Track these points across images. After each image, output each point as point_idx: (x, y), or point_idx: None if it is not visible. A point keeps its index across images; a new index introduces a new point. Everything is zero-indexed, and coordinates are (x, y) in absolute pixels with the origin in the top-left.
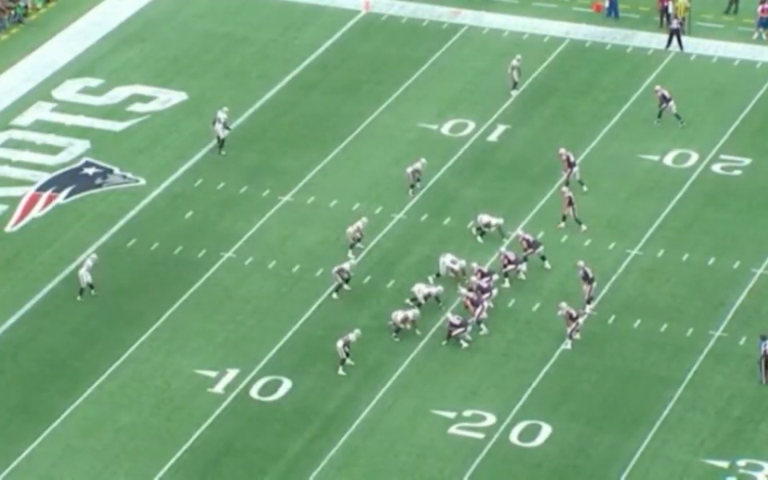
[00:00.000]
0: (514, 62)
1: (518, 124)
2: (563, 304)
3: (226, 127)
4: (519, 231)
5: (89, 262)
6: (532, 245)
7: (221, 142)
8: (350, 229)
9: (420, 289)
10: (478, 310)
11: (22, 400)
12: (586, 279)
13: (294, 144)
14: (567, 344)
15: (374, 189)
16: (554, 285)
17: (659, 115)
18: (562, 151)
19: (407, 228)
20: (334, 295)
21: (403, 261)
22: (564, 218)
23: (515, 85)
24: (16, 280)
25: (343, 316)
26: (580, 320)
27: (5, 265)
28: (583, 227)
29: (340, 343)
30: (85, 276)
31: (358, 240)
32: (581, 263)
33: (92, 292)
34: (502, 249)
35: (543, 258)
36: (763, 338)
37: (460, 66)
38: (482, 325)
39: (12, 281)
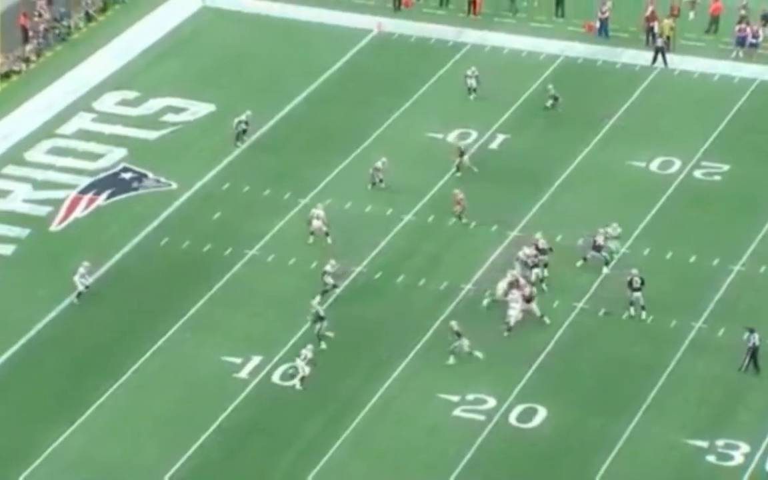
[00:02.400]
0: (469, 73)
1: (517, 133)
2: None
3: (246, 124)
4: (538, 235)
5: (82, 270)
6: (542, 252)
7: (238, 136)
8: (316, 223)
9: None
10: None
11: (62, 387)
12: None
13: (312, 151)
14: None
15: (385, 192)
16: (552, 281)
17: (551, 106)
18: (459, 144)
19: (415, 228)
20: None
21: (412, 258)
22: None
23: (473, 91)
24: (60, 275)
25: (355, 309)
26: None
27: (50, 261)
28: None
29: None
30: (78, 283)
31: (326, 233)
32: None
33: (77, 299)
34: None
35: (541, 280)
36: (751, 331)
37: (463, 80)
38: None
39: (55, 277)
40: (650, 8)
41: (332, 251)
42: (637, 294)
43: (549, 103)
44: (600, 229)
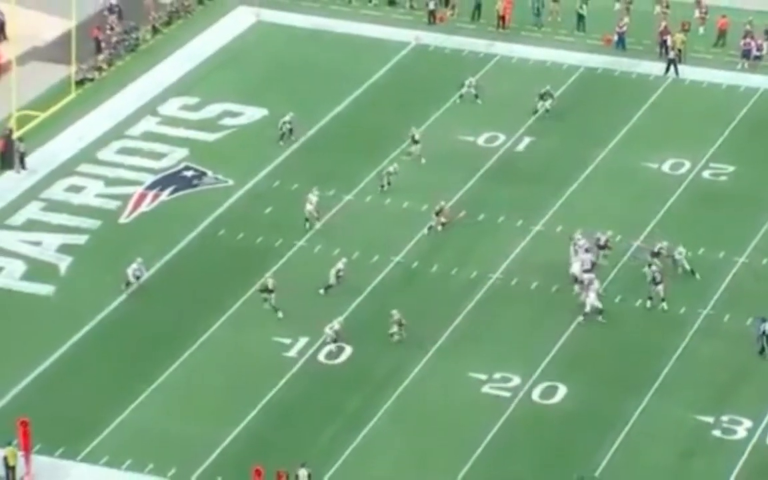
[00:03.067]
0: (467, 83)
1: (541, 136)
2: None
3: (290, 124)
4: (599, 233)
5: (135, 265)
6: (602, 248)
7: (282, 136)
8: (308, 207)
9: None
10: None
11: (128, 365)
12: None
13: (355, 151)
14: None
15: (420, 189)
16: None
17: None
18: (413, 129)
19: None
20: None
21: (444, 248)
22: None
23: (476, 97)
24: (127, 264)
25: (394, 297)
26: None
27: (119, 251)
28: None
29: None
30: (130, 275)
31: (317, 218)
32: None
33: (128, 288)
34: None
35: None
36: (763, 320)
37: (493, 88)
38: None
39: (123, 265)
40: (663, 23)
41: (384, 245)
42: (659, 287)
43: (540, 104)
44: (661, 241)
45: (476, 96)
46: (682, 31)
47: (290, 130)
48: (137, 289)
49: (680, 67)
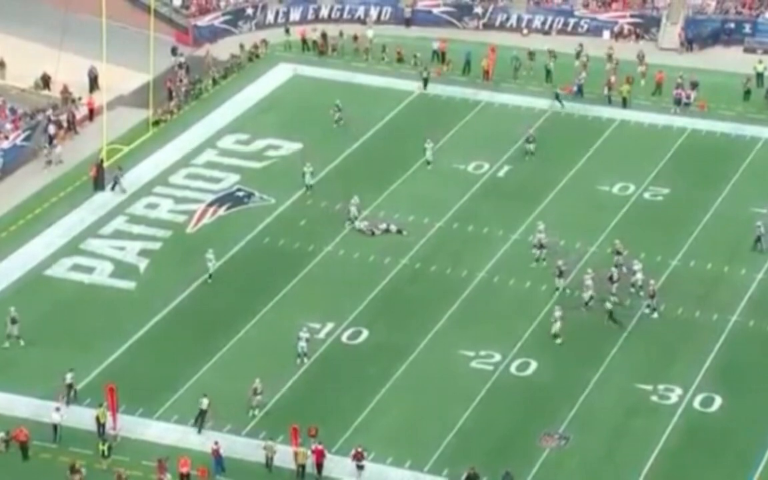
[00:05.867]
0: (427, 146)
1: (517, 164)
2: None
3: (311, 176)
4: (616, 241)
5: (209, 255)
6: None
7: (309, 187)
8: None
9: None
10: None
11: (193, 344)
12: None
13: (371, 177)
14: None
15: (422, 206)
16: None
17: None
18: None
19: (443, 232)
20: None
21: (442, 250)
22: None
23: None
24: (193, 265)
25: (404, 290)
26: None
27: (186, 254)
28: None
29: None
30: (209, 264)
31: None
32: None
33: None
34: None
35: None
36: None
37: (480, 127)
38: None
39: (190, 266)
40: (612, 77)
41: (395, 251)
42: (614, 286)
43: (528, 146)
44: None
45: (428, 163)
46: (626, 83)
47: (309, 179)
48: (201, 285)
49: (626, 111)
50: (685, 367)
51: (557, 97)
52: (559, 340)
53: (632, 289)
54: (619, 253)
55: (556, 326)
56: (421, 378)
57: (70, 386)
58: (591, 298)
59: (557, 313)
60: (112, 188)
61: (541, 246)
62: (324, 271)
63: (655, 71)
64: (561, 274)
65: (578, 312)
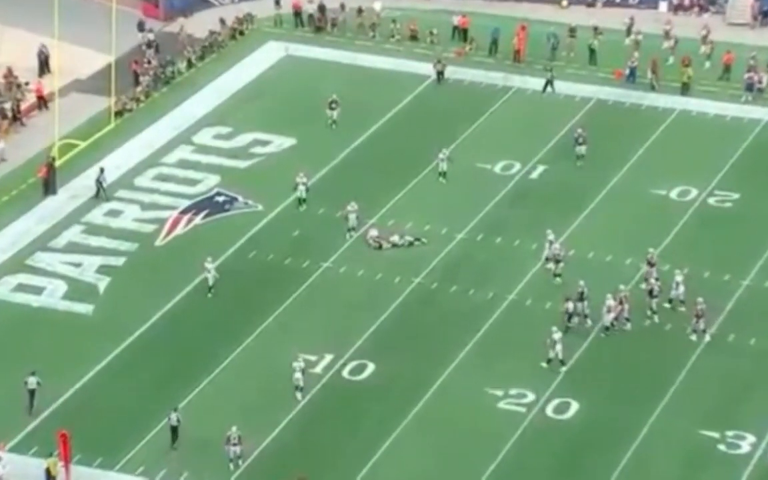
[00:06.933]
0: (441, 155)
1: (554, 164)
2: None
3: (305, 187)
4: (650, 249)
5: (207, 264)
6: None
7: (302, 202)
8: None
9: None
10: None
11: (161, 382)
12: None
13: (378, 178)
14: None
15: (440, 213)
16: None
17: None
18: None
19: (466, 244)
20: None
21: (463, 267)
22: None
23: (443, 175)
24: (162, 284)
25: (418, 314)
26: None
27: (154, 270)
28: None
29: None
30: (210, 278)
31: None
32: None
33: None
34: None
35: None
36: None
37: (509, 119)
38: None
39: (159, 285)
40: (671, 59)
41: (406, 267)
42: (654, 301)
43: (579, 149)
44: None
45: (441, 174)
46: (684, 66)
47: (303, 189)
48: (173, 307)
49: (687, 98)
50: (758, 409)
51: (549, 82)
52: (564, 368)
53: (668, 305)
54: (651, 264)
55: (558, 349)
56: (439, 421)
57: (32, 393)
58: (612, 324)
59: (556, 336)
60: (96, 195)
61: (556, 260)
62: (321, 291)
63: (722, 51)
64: (581, 297)
65: (616, 339)
